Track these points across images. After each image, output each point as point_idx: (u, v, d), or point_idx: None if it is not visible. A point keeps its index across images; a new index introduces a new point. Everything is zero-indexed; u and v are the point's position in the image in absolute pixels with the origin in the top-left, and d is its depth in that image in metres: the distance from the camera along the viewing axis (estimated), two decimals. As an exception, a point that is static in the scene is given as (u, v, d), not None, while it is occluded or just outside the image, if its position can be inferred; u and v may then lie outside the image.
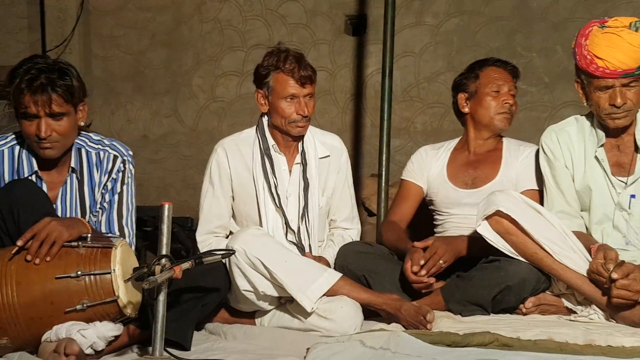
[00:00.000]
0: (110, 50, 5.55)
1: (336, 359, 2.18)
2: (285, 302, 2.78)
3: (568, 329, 2.47)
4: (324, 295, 2.67)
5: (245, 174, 3.00)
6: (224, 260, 2.65)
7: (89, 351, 2.23)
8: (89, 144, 2.66)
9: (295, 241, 2.95)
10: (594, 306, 2.63)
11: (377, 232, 3.62)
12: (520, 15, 4.68)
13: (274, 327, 2.76)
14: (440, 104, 4.74)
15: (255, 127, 3.07)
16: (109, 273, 2.25)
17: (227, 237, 3.00)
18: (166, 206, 2.19)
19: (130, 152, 2.71)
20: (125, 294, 2.27)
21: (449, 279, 2.87)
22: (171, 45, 5.43)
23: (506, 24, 4.70)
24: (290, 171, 3.02)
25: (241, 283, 2.70)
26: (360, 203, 4.43)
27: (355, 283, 2.78)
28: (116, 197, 2.64)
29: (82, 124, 2.60)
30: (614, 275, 2.48)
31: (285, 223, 2.96)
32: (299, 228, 2.97)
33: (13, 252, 2.26)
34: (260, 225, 2.94)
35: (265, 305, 2.76)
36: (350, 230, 3.18)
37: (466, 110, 3.21)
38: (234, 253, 2.60)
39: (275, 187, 2.96)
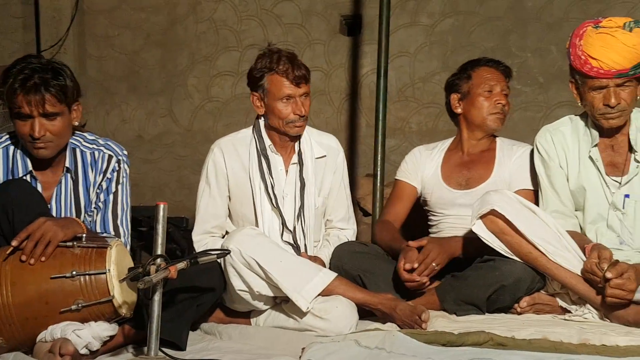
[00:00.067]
0: (105, 50, 5.54)
1: (331, 359, 2.18)
2: (281, 302, 2.78)
3: (562, 328, 2.47)
4: (319, 295, 2.67)
5: (241, 174, 3.00)
6: (219, 260, 2.65)
7: (84, 351, 2.23)
8: (84, 143, 2.66)
9: (290, 241, 2.95)
10: (588, 305, 2.64)
11: (372, 233, 3.62)
12: (514, 15, 4.68)
13: (270, 327, 2.76)
14: (435, 104, 4.75)
15: (251, 127, 3.07)
16: (104, 273, 2.25)
17: (223, 237, 3.00)
18: (161, 206, 2.19)
19: (125, 152, 2.71)
20: (120, 294, 2.27)
21: (444, 279, 2.88)
22: (166, 45, 5.42)
23: (501, 24, 4.71)
24: (286, 171, 3.02)
25: (236, 283, 2.70)
26: (356, 203, 4.43)
27: (350, 283, 2.79)
28: (111, 196, 2.64)
29: (77, 123, 2.59)
30: (608, 275, 2.49)
31: (283, 223, 2.96)
32: (294, 228, 2.97)
33: (8, 252, 2.25)
34: (256, 225, 2.95)
35: (260, 305, 2.76)
36: (346, 230, 3.18)
37: (459, 110, 3.22)
38: (229, 253, 2.60)
39: (272, 187, 2.96)
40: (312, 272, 2.71)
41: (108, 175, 2.64)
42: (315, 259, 2.91)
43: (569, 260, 2.64)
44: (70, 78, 2.51)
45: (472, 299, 2.75)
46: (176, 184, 5.41)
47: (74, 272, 2.23)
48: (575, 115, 2.92)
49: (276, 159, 3.01)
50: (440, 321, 2.64)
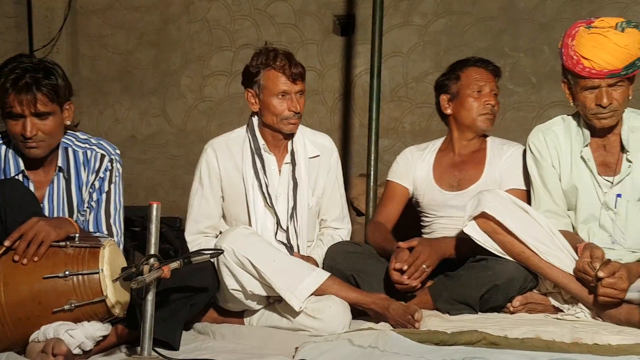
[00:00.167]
0: (98, 50, 5.53)
1: (325, 358, 2.18)
2: (274, 302, 2.78)
3: (555, 328, 2.48)
4: (312, 294, 2.67)
5: (235, 174, 2.99)
6: (212, 260, 2.65)
7: (77, 351, 2.23)
8: (76, 143, 2.65)
9: (284, 241, 2.95)
10: (580, 304, 2.65)
11: (364, 233, 3.63)
12: (507, 15, 4.70)
13: (263, 327, 2.76)
14: (428, 104, 4.75)
15: (245, 126, 3.07)
16: (97, 273, 2.24)
17: (216, 237, 3.00)
18: (154, 206, 2.19)
19: (118, 151, 2.71)
20: (114, 294, 2.26)
21: (437, 278, 2.88)
22: (159, 45, 5.41)
23: (494, 24, 4.72)
24: (279, 171, 3.02)
25: (229, 282, 2.70)
26: (349, 203, 4.43)
27: (343, 282, 2.79)
28: (104, 196, 2.63)
29: (68, 123, 2.59)
30: (600, 274, 2.50)
31: (277, 222, 2.96)
32: (287, 227, 2.97)
33: (0, 252, 2.25)
34: (250, 225, 2.94)
35: (253, 304, 2.76)
36: (341, 229, 3.18)
37: (449, 111, 3.21)
38: (222, 253, 2.60)
39: (267, 187, 2.96)
40: (305, 272, 2.71)
41: (101, 174, 2.64)
42: (308, 259, 2.91)
43: (561, 259, 2.65)
44: (62, 77, 2.51)
45: (465, 299, 2.76)
46: (169, 184, 5.40)
47: (67, 272, 2.23)
48: (568, 115, 2.93)
49: (269, 159, 3.01)
50: (433, 320, 2.64)
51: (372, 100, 3.74)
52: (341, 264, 2.95)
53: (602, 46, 2.65)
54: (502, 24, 4.70)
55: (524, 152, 3.02)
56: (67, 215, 2.57)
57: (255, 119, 3.04)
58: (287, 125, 2.95)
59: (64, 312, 2.23)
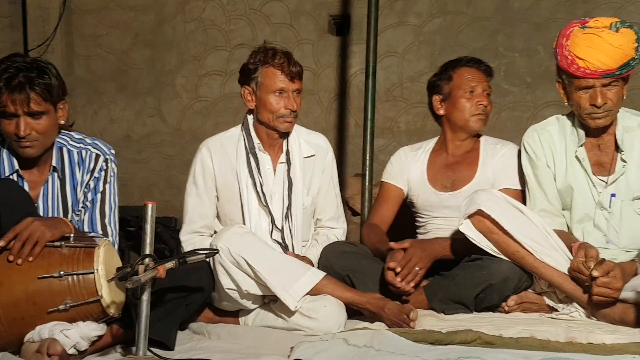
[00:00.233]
0: (93, 50, 5.52)
1: (320, 358, 2.19)
2: (269, 302, 2.78)
3: (550, 327, 2.49)
4: (307, 293, 2.67)
5: (229, 173, 2.99)
6: (208, 260, 2.64)
7: (72, 351, 2.22)
8: (71, 142, 2.65)
9: (279, 240, 2.95)
10: (575, 304, 2.66)
11: (360, 232, 3.63)
12: (502, 15, 4.71)
13: (258, 327, 2.76)
14: (423, 104, 4.71)
15: (240, 125, 3.06)
16: (92, 273, 2.24)
17: (211, 236, 3.00)
18: (149, 205, 2.19)
19: (113, 151, 2.70)
20: (109, 294, 2.26)
21: (432, 278, 2.88)
22: (154, 44, 5.41)
23: (488, 24, 4.73)
24: (274, 170, 3.02)
25: (225, 281, 2.70)
26: (344, 202, 4.43)
27: (338, 282, 2.79)
28: (99, 195, 2.63)
29: (63, 122, 2.58)
30: (595, 273, 2.51)
31: (272, 222, 2.96)
32: (282, 227, 2.97)
33: (-5, 252, 2.25)
34: (244, 224, 2.94)
35: (248, 304, 2.76)
36: (336, 229, 3.18)
37: (441, 112, 3.20)
38: (217, 252, 2.60)
39: (261, 186, 2.96)
40: (300, 271, 2.71)
41: (95, 174, 2.63)
42: (303, 259, 2.91)
43: (556, 259, 2.66)
44: (56, 77, 2.50)
45: (460, 298, 2.76)
46: (165, 184, 5.40)
47: (62, 272, 2.22)
48: (562, 115, 2.93)
49: (264, 158, 3.01)
50: (428, 320, 2.65)
51: (367, 100, 3.74)
52: (336, 264, 2.95)
53: (596, 46, 2.65)
54: (497, 24, 4.71)
55: (518, 151, 3.03)
56: (61, 215, 2.57)
57: (250, 118, 3.03)
58: (283, 123, 2.95)
59: (59, 312, 2.22)
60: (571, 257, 2.63)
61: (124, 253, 4.39)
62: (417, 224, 3.26)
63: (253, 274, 2.67)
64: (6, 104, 2.41)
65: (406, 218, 3.30)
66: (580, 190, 2.83)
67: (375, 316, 2.68)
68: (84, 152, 2.64)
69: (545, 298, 2.76)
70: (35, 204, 2.54)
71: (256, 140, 3.00)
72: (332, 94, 5.04)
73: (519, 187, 3.01)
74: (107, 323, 2.35)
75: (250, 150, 2.99)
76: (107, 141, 2.75)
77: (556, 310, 2.71)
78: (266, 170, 2.99)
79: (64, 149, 2.63)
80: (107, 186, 2.65)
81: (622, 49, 2.64)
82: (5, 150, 2.57)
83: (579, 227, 2.83)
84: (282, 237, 2.96)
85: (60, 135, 2.63)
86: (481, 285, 2.73)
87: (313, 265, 2.93)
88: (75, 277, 2.23)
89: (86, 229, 2.59)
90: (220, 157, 3.00)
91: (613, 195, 2.78)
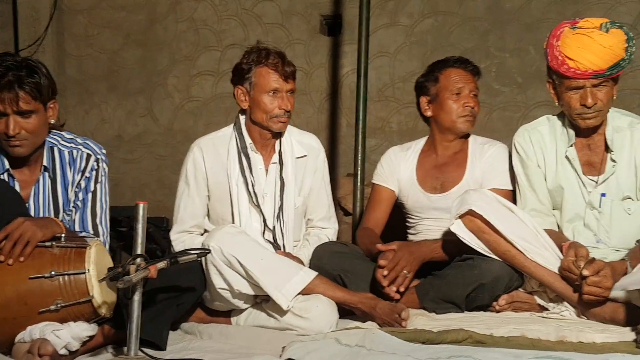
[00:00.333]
0: (84, 50, 5.50)
1: (312, 357, 2.19)
2: (261, 301, 2.78)
3: (540, 326, 2.50)
4: (299, 293, 2.68)
5: (221, 173, 2.99)
6: (199, 259, 2.64)
7: (63, 352, 2.22)
8: (62, 142, 2.64)
9: (271, 240, 2.95)
10: (565, 303, 2.67)
11: (352, 232, 3.63)
12: (493, 16, 4.72)
13: (250, 326, 2.76)
14: (415, 104, 4.75)
15: (232, 125, 3.06)
16: (83, 273, 2.24)
17: (201, 235, 3.00)
18: (141, 205, 2.19)
19: (104, 151, 2.70)
20: (100, 294, 2.26)
21: (424, 278, 2.89)
22: (146, 44, 5.40)
23: (480, 24, 4.74)
24: (266, 171, 3.02)
25: (217, 281, 2.70)
26: (336, 202, 4.43)
27: (330, 282, 2.79)
28: (90, 195, 2.62)
29: (53, 121, 2.57)
30: (585, 273, 2.52)
31: (264, 221, 2.96)
32: (274, 227, 2.97)
33: (-15, 252, 2.24)
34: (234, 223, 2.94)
35: (240, 303, 2.76)
36: (327, 229, 3.18)
37: (429, 113, 3.19)
38: (209, 252, 2.60)
39: (253, 186, 2.96)
40: (292, 271, 2.72)
41: (87, 174, 2.63)
42: (294, 259, 2.91)
43: (546, 258, 2.67)
44: (46, 76, 2.50)
45: (451, 297, 2.77)
46: (156, 184, 5.38)
47: (53, 272, 2.22)
48: (553, 115, 2.94)
49: (256, 158, 3.01)
50: (419, 319, 2.65)
51: (359, 100, 3.74)
52: (328, 264, 2.95)
53: (586, 47, 2.66)
54: (488, 25, 4.72)
55: (507, 151, 3.04)
56: (52, 215, 2.56)
57: (242, 118, 3.03)
58: (277, 123, 2.95)
59: (50, 313, 2.22)
60: (562, 257, 2.64)
61: (116, 253, 4.37)
62: (407, 224, 3.27)
63: (245, 274, 2.67)
64: (-5, 103, 2.41)
65: (396, 219, 3.30)
66: (571, 190, 2.84)
67: (367, 316, 2.69)
68: (75, 151, 2.64)
69: (536, 297, 2.77)
70: (26, 204, 2.53)
71: (248, 140, 3.00)
72: (324, 94, 5.04)
73: (507, 187, 3.01)
74: (98, 323, 2.35)
75: (243, 150, 2.99)
76: (98, 141, 2.74)
77: (547, 309, 2.73)
78: (258, 170, 2.99)
79: (55, 149, 2.62)
80: (98, 186, 2.64)
81: (612, 49, 2.66)
82: (-5, 150, 2.57)
83: (570, 226, 2.84)
84: (274, 237, 2.96)
85: (51, 135, 2.62)
86: (472, 285, 2.74)
87: (304, 266, 2.93)
88: (66, 277, 2.23)
89: (77, 228, 2.58)
90: (212, 156, 3.00)
91: (603, 195, 2.80)
